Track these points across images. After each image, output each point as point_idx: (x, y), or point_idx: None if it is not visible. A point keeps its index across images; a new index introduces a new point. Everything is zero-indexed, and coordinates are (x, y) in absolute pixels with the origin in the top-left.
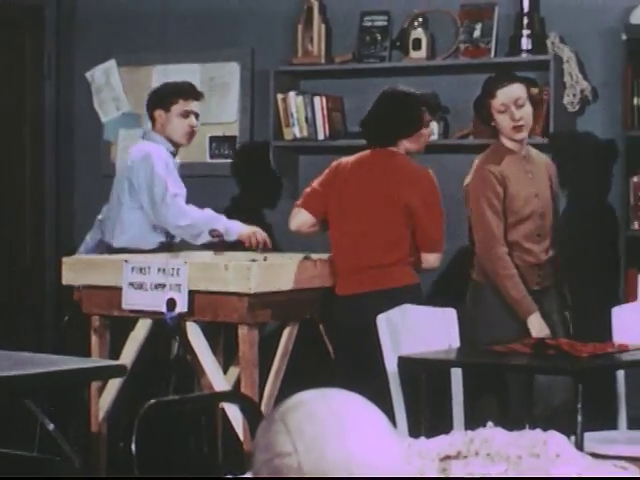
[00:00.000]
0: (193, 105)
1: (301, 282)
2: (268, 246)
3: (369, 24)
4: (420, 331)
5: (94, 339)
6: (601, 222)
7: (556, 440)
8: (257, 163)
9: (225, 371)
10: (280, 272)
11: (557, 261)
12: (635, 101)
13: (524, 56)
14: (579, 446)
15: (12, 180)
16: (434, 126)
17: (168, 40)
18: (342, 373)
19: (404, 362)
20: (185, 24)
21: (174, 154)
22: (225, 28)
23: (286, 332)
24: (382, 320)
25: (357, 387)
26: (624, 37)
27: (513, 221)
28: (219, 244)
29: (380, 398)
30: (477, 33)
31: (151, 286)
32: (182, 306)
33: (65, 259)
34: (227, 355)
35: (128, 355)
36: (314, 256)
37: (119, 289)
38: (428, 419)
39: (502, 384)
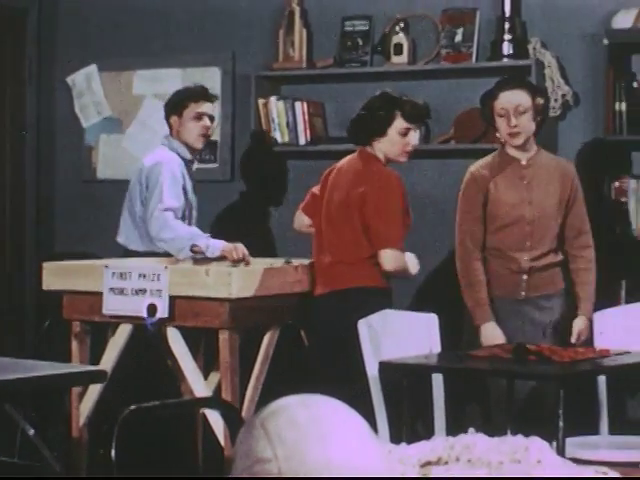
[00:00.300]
0: (205, 107)
1: (282, 287)
2: (248, 261)
3: (350, 29)
4: (401, 336)
5: (75, 344)
6: None
7: (537, 446)
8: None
9: (206, 376)
10: (261, 277)
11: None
12: (617, 106)
13: (505, 61)
14: (560, 451)
15: None
16: (414, 136)
17: (149, 45)
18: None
19: (385, 367)
20: (166, 29)
21: (191, 160)
22: (206, 33)
23: (267, 337)
24: (363, 325)
25: (322, 391)
26: (606, 42)
27: (496, 227)
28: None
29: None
30: (458, 38)
31: (132, 291)
32: (163, 311)
33: (46, 264)
34: (208, 360)
35: (108, 361)
36: (295, 261)
37: (100, 294)
38: (409, 425)
39: (484, 389)
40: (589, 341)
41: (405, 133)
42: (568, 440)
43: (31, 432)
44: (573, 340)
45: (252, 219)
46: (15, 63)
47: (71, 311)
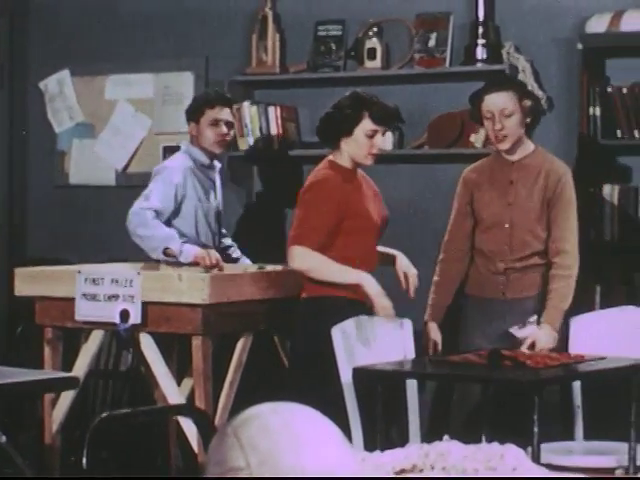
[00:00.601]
0: (222, 113)
1: (255, 293)
2: (221, 267)
3: (324, 33)
4: (375, 342)
5: (47, 350)
6: None
7: (513, 453)
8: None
9: (179, 382)
10: (234, 283)
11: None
12: (591, 110)
13: (479, 66)
14: (536, 457)
15: None
16: (381, 139)
17: (122, 50)
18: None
19: (359, 374)
20: (139, 33)
21: (209, 165)
22: (179, 37)
23: (240, 343)
24: (337, 331)
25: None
26: (579, 46)
27: (480, 229)
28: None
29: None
30: (432, 42)
31: (104, 297)
32: (135, 317)
33: (18, 270)
34: (181, 366)
35: (81, 367)
36: (268, 267)
37: (72, 300)
38: (383, 431)
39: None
40: (564, 347)
41: (372, 135)
42: (543, 446)
43: (3, 439)
44: (523, 348)
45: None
46: None
47: (43, 317)
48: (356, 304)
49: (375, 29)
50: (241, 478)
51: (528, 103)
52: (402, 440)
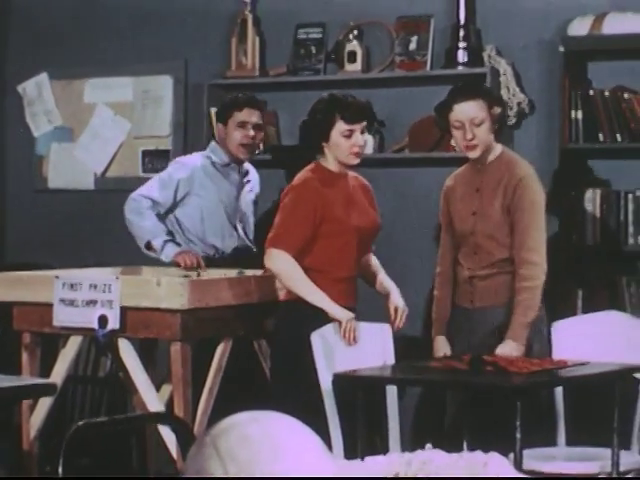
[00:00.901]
0: (251, 115)
1: (235, 298)
2: (201, 266)
3: (304, 36)
4: (355, 347)
5: (25, 356)
6: None
7: (496, 462)
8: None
9: (159, 388)
10: (213, 288)
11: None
12: (573, 114)
13: (460, 69)
14: (518, 463)
15: None
16: (360, 137)
17: (100, 53)
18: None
19: (339, 380)
20: (118, 37)
21: (227, 164)
22: (158, 41)
23: (220, 349)
24: (316, 337)
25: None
26: (561, 49)
27: (455, 238)
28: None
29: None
30: (413, 45)
31: (82, 302)
32: (114, 323)
33: None
34: (162, 371)
35: (59, 372)
36: (248, 272)
37: (50, 305)
38: (365, 438)
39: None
40: (547, 352)
41: (348, 135)
42: (525, 452)
43: None
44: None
45: None
46: None
47: (21, 322)
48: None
49: (355, 32)
50: (230, 478)
51: (497, 110)
52: (384, 447)
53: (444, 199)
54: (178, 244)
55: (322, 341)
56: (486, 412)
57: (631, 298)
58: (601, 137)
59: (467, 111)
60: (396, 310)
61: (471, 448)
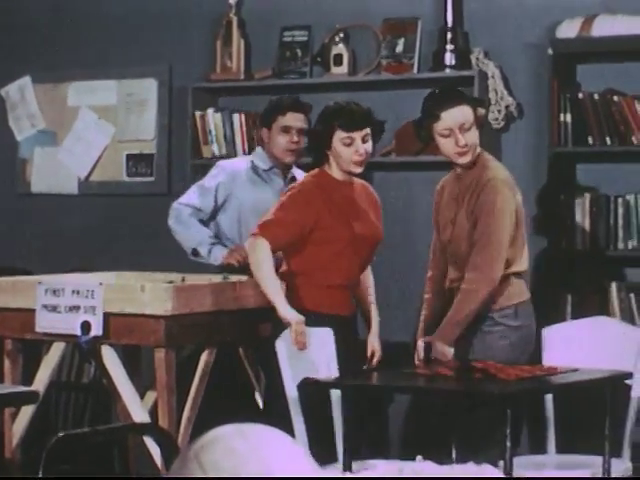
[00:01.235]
0: (295, 120)
1: (220, 304)
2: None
3: (289, 39)
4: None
5: (7, 363)
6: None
7: (489, 473)
8: None
9: (143, 395)
10: (198, 294)
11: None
12: (562, 117)
13: (448, 72)
14: (508, 471)
15: None
16: (362, 145)
17: (84, 56)
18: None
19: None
20: (101, 40)
21: (269, 169)
22: (142, 44)
23: (204, 355)
24: (281, 343)
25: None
26: (550, 52)
27: (442, 245)
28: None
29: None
30: (400, 48)
31: (65, 308)
32: (97, 329)
33: None
34: (146, 377)
35: (42, 379)
36: (233, 277)
37: (33, 311)
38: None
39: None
40: (536, 358)
41: (349, 143)
42: (516, 460)
43: None
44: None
45: None
46: None
47: (3, 328)
48: (336, 318)
49: (341, 35)
50: (229, 478)
51: (482, 112)
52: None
53: (434, 204)
54: (225, 245)
55: (287, 346)
56: (474, 419)
57: (621, 303)
58: (590, 141)
59: (456, 117)
60: (373, 354)
61: (459, 456)
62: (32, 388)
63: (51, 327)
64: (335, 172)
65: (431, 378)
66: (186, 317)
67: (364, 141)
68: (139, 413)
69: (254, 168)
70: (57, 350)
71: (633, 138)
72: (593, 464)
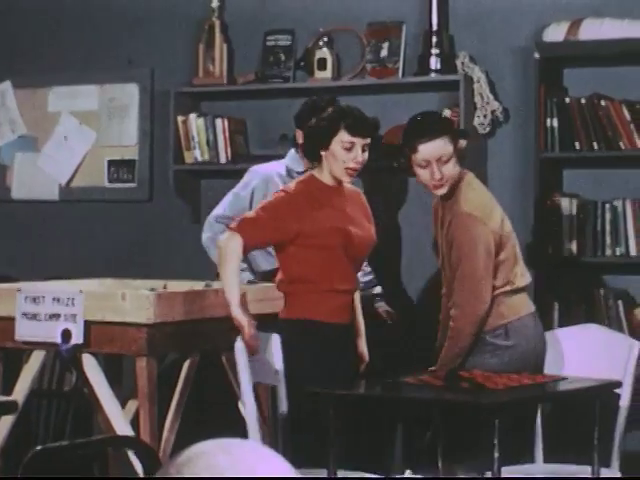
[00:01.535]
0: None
1: (202, 311)
2: None
3: (273, 43)
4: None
5: None
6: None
7: None
8: None
9: (124, 404)
10: (180, 301)
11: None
12: (548, 122)
13: (433, 76)
14: None
15: None
16: (360, 154)
17: (65, 61)
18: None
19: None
20: (83, 44)
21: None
22: (124, 48)
23: (187, 364)
24: (239, 346)
25: None
26: (537, 56)
27: None
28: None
29: None
30: (384, 52)
31: (45, 316)
32: (78, 337)
33: None
34: (128, 385)
35: (23, 387)
36: (215, 284)
37: (13, 319)
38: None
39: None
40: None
41: (349, 147)
42: (504, 469)
43: None
44: None
45: (171, 239)
46: None
47: None
48: (336, 326)
49: (325, 39)
50: (229, 478)
51: (463, 144)
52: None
53: (432, 222)
54: (253, 271)
55: (244, 352)
56: (461, 429)
57: (609, 311)
58: (577, 145)
59: (434, 151)
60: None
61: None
62: (11, 398)
63: (31, 335)
64: (325, 177)
65: (417, 387)
66: (168, 325)
67: (363, 150)
68: (120, 422)
69: (289, 172)
70: (37, 359)
71: (620, 143)
72: (581, 474)
